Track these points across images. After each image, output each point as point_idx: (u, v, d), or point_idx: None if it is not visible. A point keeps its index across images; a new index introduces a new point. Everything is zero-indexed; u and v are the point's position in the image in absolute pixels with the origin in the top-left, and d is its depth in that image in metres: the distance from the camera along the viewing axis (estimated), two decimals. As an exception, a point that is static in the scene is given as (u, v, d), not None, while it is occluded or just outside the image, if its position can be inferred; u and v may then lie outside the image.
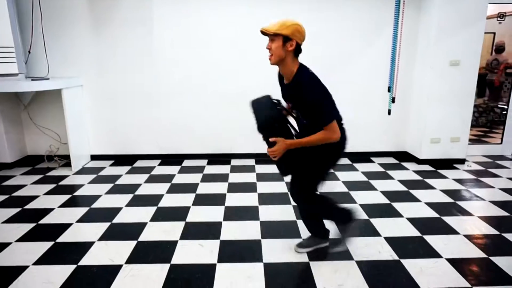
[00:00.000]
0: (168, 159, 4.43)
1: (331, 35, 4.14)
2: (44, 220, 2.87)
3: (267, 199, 3.24)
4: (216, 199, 3.25)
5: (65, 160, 4.26)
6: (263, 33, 1.99)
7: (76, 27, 4.05)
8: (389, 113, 4.29)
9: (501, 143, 4.65)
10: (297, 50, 1.99)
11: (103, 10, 4.02)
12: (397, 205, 3.12)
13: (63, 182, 3.71)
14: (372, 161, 4.36)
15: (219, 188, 3.52)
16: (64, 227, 2.75)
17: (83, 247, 2.47)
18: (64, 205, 3.17)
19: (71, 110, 3.94)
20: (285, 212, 2.98)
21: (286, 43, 1.93)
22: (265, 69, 4.30)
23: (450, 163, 4.23)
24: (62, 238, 2.59)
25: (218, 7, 4.04)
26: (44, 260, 2.32)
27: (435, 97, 4.05)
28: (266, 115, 2.07)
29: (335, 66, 4.21)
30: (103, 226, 2.76)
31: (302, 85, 1.93)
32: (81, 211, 3.03)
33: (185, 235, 2.62)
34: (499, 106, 5.96)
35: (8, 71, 3.64)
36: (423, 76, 4.12)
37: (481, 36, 3.95)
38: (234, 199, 3.25)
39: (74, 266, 2.24)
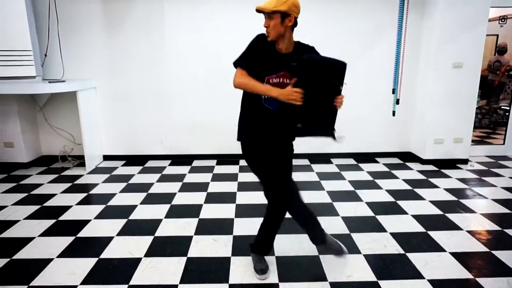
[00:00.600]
0: (178, 160, 4.56)
1: (336, 38, 4.26)
2: (64, 217, 3.00)
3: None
4: (227, 197, 3.37)
5: (79, 160, 4.40)
6: (259, 11, 1.95)
7: (89, 31, 4.20)
8: (393, 115, 4.41)
9: (504, 143, 4.75)
10: (294, 24, 1.95)
11: (115, 15, 4.17)
12: (402, 203, 3.23)
13: (78, 181, 3.84)
14: (377, 161, 4.47)
15: (230, 187, 3.64)
16: (83, 223, 2.88)
17: (103, 241, 2.59)
18: (81, 202, 3.30)
19: (85, 111, 4.08)
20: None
21: (284, 19, 1.90)
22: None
23: (453, 163, 4.33)
24: (82, 233, 2.72)
25: (226, 13, 4.17)
26: (67, 253, 2.45)
27: (438, 99, 4.16)
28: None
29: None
30: (120, 223, 2.88)
31: (308, 47, 2.03)
32: (98, 208, 3.16)
33: (199, 231, 2.74)
34: (502, 107, 6.06)
35: (26, 73, 3.78)
36: (427, 78, 4.23)
37: (483, 39, 4.06)
38: (245, 197, 3.36)
39: (96, 259, 2.37)
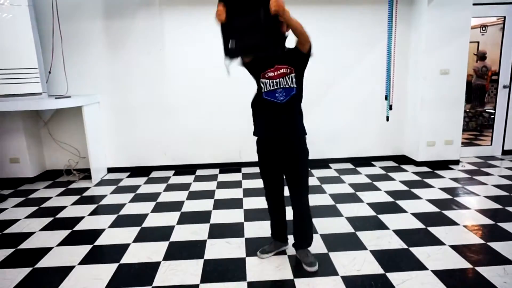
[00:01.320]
0: (181, 170, 4.68)
1: (332, 49, 4.49)
2: (78, 227, 3.09)
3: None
4: (234, 203, 3.50)
5: (83, 174, 4.48)
6: None
7: (92, 47, 4.34)
8: (387, 120, 4.63)
9: (491, 144, 5.01)
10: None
11: (117, 32, 4.32)
12: (401, 202, 3.41)
13: (86, 194, 3.93)
14: (373, 165, 4.67)
15: (235, 193, 3.78)
16: (98, 232, 2.98)
17: (121, 248, 2.69)
18: (93, 213, 3.39)
19: (90, 125, 4.18)
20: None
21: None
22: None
23: (445, 164, 4.56)
24: (99, 242, 2.82)
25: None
26: (87, 260, 2.54)
27: (428, 104, 4.41)
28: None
29: (335, 77, 4.55)
30: (134, 230, 2.99)
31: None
32: (110, 218, 3.26)
33: (212, 235, 2.86)
34: (487, 110, 6.35)
35: (32, 90, 3.89)
36: (416, 84, 4.48)
37: (466, 47, 4.34)
38: (251, 203, 3.50)
39: (117, 264, 2.47)
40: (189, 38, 4.38)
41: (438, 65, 4.35)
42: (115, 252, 2.64)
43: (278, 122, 2.23)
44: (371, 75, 4.59)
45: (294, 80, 2.19)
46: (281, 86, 2.18)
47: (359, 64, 4.57)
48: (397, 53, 4.47)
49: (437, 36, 4.27)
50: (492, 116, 5.07)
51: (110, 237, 2.90)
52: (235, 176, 4.36)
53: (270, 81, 2.18)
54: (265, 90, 2.22)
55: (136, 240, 2.82)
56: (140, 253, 2.62)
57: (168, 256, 2.57)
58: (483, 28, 5.90)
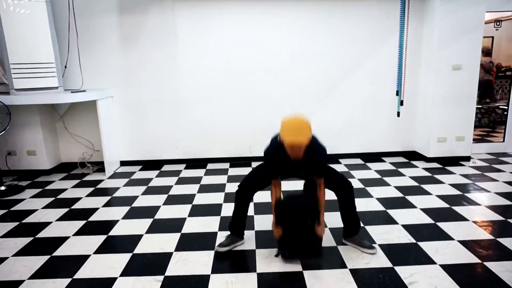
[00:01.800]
0: (192, 163, 4.75)
1: (342, 45, 4.49)
2: (93, 218, 3.18)
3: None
4: (244, 197, 3.54)
5: (97, 166, 4.59)
6: (294, 147, 2.11)
7: (106, 43, 4.42)
8: (398, 115, 4.61)
9: (504, 141, 4.96)
10: None
11: (131, 27, 4.39)
12: (410, 198, 3.42)
13: (100, 186, 4.02)
14: (383, 161, 4.68)
15: (245, 187, 3.82)
16: (112, 223, 3.06)
17: (134, 239, 2.77)
18: (106, 205, 3.48)
19: (104, 119, 4.27)
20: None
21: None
22: (279, 78, 4.68)
23: (456, 161, 4.53)
24: (113, 232, 2.90)
25: (235, 26, 4.41)
26: (102, 250, 2.63)
27: (439, 99, 4.38)
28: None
29: (346, 72, 4.55)
30: (147, 222, 3.07)
31: (314, 153, 2.28)
32: (124, 209, 3.35)
33: (222, 227, 2.92)
34: (500, 107, 6.28)
35: (49, 84, 3.99)
36: (428, 80, 4.45)
37: (479, 42, 4.29)
38: (261, 196, 3.51)
39: (130, 254, 2.55)
40: (201, 33, 4.42)
41: (450, 60, 4.32)
42: (128, 242, 2.72)
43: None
44: (382, 71, 4.58)
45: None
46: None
47: (370, 60, 4.56)
48: (409, 48, 4.46)
49: (450, 31, 4.23)
50: (506, 113, 5.01)
51: (123, 228, 2.98)
52: (245, 171, 4.37)
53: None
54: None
55: (149, 231, 2.90)
56: (153, 243, 2.69)
57: (180, 247, 2.63)
58: (497, 23, 5.81)
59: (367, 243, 2.55)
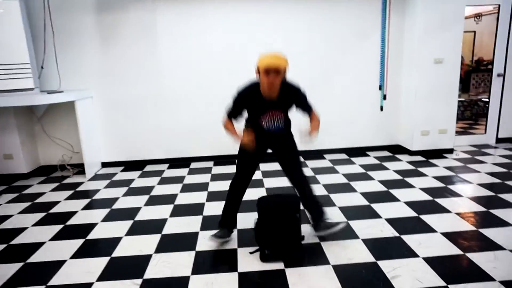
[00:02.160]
0: (176, 163, 4.68)
1: (326, 41, 4.46)
2: (71, 222, 3.09)
3: (276, 192, 3.50)
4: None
5: (78, 169, 4.48)
6: (271, 69, 2.17)
7: (84, 42, 4.30)
8: (381, 109, 4.63)
9: (485, 133, 5.01)
10: None
11: (110, 25, 4.28)
12: (394, 191, 3.41)
13: (79, 188, 3.92)
14: (367, 155, 4.67)
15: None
16: (91, 226, 2.98)
17: (113, 242, 2.69)
18: (86, 208, 3.39)
19: (83, 120, 4.16)
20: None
21: (284, 74, 2.28)
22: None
23: (439, 153, 4.55)
24: (91, 236, 2.81)
25: (218, 24, 4.34)
26: (79, 254, 2.54)
27: (422, 93, 4.39)
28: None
29: (329, 68, 4.53)
30: (127, 224, 2.99)
31: (290, 90, 2.39)
32: (103, 212, 3.26)
33: (204, 227, 2.86)
34: (482, 99, 6.34)
35: (24, 86, 3.87)
36: (410, 74, 4.45)
37: (460, 36, 4.31)
38: (246, 194, 3.48)
39: (108, 258, 2.47)
40: (183, 31, 4.34)
41: (432, 54, 4.32)
42: (107, 245, 2.64)
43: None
44: (364, 66, 4.56)
45: (284, 119, 2.47)
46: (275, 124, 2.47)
47: (353, 55, 4.54)
48: (391, 43, 4.47)
49: (431, 25, 4.24)
50: (487, 105, 5.06)
51: (102, 231, 2.90)
52: (230, 168, 4.35)
53: (264, 120, 2.44)
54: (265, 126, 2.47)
55: (129, 233, 2.82)
56: (132, 246, 2.62)
57: (160, 248, 2.57)
58: (477, 17, 5.86)
59: (333, 223, 2.58)
